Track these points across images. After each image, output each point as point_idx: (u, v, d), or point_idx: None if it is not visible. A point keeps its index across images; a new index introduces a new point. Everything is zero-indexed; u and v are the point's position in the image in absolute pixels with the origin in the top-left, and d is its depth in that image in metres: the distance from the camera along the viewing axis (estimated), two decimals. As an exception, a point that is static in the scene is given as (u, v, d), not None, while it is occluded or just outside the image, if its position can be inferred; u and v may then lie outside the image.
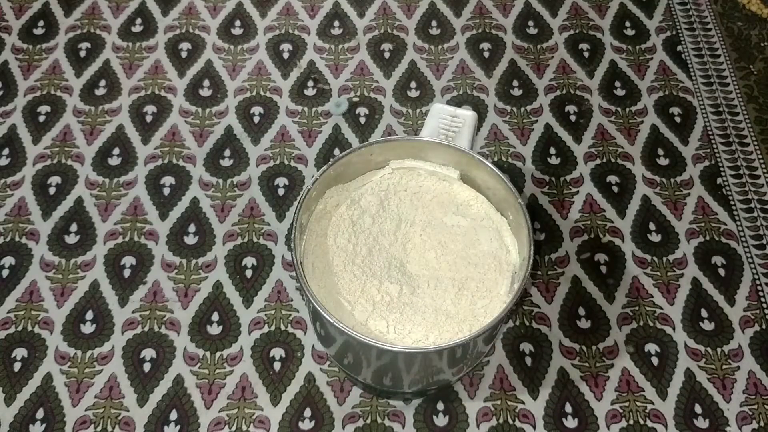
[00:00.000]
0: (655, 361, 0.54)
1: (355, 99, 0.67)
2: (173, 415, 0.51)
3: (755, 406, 0.52)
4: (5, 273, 0.57)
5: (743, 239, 0.60)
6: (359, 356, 0.46)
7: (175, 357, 0.53)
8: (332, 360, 0.52)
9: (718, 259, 0.59)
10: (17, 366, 0.53)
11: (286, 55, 0.70)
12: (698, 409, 0.52)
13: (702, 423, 0.51)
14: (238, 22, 0.72)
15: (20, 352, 0.53)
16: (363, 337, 0.42)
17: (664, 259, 0.59)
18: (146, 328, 0.55)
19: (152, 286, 0.56)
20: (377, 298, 0.46)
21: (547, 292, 0.57)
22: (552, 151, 0.64)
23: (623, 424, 0.51)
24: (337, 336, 0.45)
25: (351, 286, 0.47)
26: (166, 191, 0.61)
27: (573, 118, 0.66)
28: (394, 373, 0.47)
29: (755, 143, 0.65)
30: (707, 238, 0.60)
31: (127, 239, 0.59)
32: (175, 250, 0.58)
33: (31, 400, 0.51)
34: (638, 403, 0.52)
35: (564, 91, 0.68)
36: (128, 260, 0.58)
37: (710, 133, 0.66)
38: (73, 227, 0.59)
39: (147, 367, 0.53)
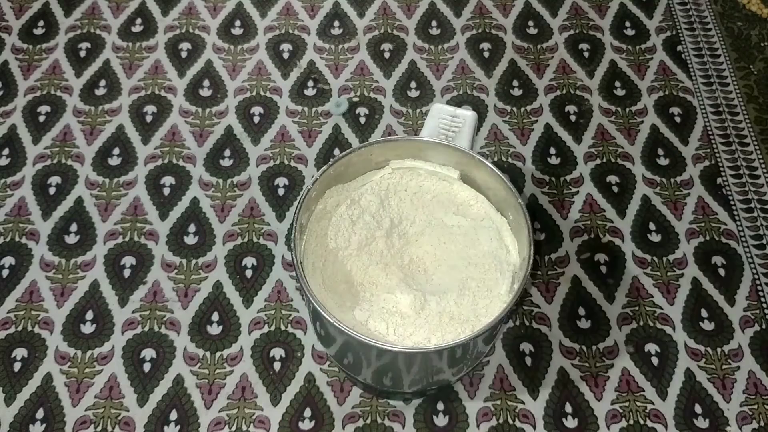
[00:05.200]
0: (655, 361, 0.54)
1: (355, 99, 0.67)
2: (173, 415, 0.51)
3: (755, 406, 0.52)
4: (5, 273, 0.57)
5: (743, 239, 0.60)
6: (359, 356, 0.46)
7: (175, 357, 0.53)
8: (332, 360, 0.52)
9: (718, 259, 0.59)
10: (17, 366, 0.53)
11: (286, 55, 0.70)
12: (698, 409, 0.52)
13: (702, 423, 0.51)
14: (238, 22, 0.72)
15: (20, 352, 0.53)
16: (363, 337, 0.42)
17: (664, 259, 0.59)
18: (146, 328, 0.55)
19: (152, 286, 0.56)
20: (378, 300, 0.46)
21: (547, 292, 0.57)
22: (552, 151, 0.64)
23: (623, 424, 0.51)
24: (337, 336, 0.45)
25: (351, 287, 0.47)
26: (166, 191, 0.61)
27: (573, 118, 0.66)
28: (394, 374, 0.47)
29: (755, 143, 0.65)
30: (707, 238, 0.60)
31: (127, 239, 0.59)
32: (175, 250, 0.58)
33: (31, 400, 0.51)
34: (638, 403, 0.52)
35: (564, 91, 0.68)
36: (128, 260, 0.58)
37: (710, 133, 0.66)
38: (73, 227, 0.59)
39: (147, 367, 0.53)
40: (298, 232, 0.46)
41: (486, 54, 0.70)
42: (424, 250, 0.48)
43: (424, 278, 0.47)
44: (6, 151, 0.63)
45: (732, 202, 0.62)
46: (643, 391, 0.53)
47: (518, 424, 0.51)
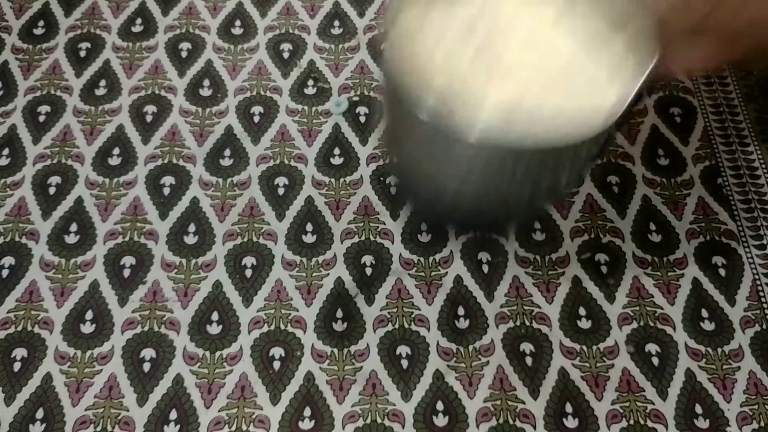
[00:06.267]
0: (655, 361, 0.54)
1: (355, 98, 0.67)
2: (173, 415, 0.51)
3: (755, 407, 0.52)
4: (5, 273, 0.57)
5: (743, 239, 0.60)
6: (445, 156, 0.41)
7: (174, 357, 0.53)
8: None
9: (718, 259, 0.59)
10: (17, 366, 0.53)
11: (286, 55, 0.70)
12: (699, 409, 0.52)
13: (702, 423, 0.51)
14: (238, 22, 0.72)
15: (20, 352, 0.53)
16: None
17: (665, 259, 0.59)
18: (146, 328, 0.55)
19: (152, 286, 0.56)
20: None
21: (548, 292, 0.57)
22: (552, 151, 0.64)
23: (623, 424, 0.51)
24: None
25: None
26: (166, 191, 0.61)
27: (573, 118, 0.66)
28: (486, 177, 0.42)
29: (755, 143, 0.65)
30: (707, 238, 0.60)
31: (127, 239, 0.59)
32: (175, 250, 0.58)
33: (31, 400, 0.51)
34: (638, 403, 0.52)
35: (564, 91, 0.68)
36: (128, 260, 0.58)
37: (710, 133, 0.66)
38: (73, 227, 0.59)
39: (147, 366, 0.53)
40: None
41: (486, 54, 0.70)
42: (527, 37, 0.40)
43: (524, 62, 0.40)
44: (6, 151, 0.63)
45: (732, 202, 0.62)
46: (644, 391, 0.53)
47: (518, 424, 0.51)
